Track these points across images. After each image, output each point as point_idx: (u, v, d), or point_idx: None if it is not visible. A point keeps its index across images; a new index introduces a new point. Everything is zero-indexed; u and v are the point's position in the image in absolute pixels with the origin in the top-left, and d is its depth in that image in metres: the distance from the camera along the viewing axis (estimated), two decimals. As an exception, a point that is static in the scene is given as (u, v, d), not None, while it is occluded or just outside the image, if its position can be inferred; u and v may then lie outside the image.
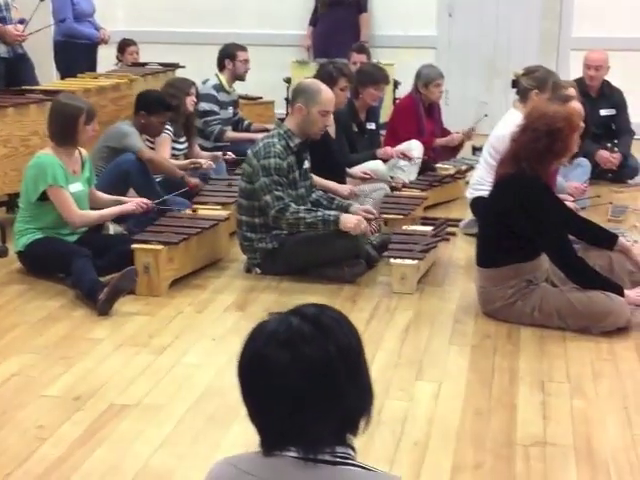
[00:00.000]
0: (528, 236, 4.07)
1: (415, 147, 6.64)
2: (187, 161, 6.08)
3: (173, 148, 6.12)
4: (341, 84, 5.70)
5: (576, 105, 4.77)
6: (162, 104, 5.69)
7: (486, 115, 7.47)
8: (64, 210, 4.65)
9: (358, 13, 8.97)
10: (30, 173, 4.69)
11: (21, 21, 6.36)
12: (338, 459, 1.64)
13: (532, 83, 5.33)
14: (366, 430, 1.68)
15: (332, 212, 4.76)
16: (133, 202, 4.84)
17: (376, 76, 6.35)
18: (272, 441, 1.67)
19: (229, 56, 7.13)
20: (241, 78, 7.25)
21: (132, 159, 5.57)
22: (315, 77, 5.60)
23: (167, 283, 4.63)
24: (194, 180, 5.74)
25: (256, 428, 1.68)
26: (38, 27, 6.78)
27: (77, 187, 4.77)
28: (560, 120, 3.99)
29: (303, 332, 1.62)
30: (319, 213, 4.71)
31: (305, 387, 1.59)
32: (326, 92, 4.82)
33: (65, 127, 4.66)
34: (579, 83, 6.80)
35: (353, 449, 1.68)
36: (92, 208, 4.90)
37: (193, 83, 6.32)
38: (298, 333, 1.62)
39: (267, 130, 7.07)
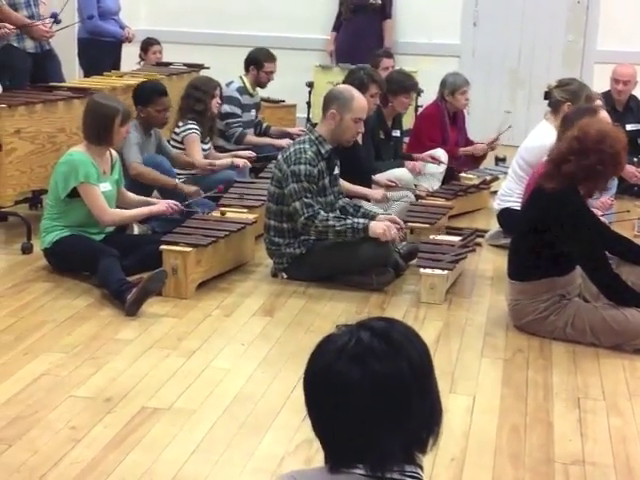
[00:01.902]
0: (563, 250, 4.03)
1: (440, 155, 6.62)
2: (227, 161, 6.04)
3: (200, 149, 6.10)
4: (372, 90, 5.66)
5: (604, 115, 4.76)
6: (155, 91, 5.59)
7: (510, 126, 7.43)
8: (95, 207, 4.62)
9: (382, 19, 8.94)
10: (61, 170, 4.66)
11: (53, 15, 6.33)
12: (407, 478, 1.61)
13: (565, 96, 5.30)
14: (434, 448, 1.65)
15: (361, 220, 4.73)
16: (163, 203, 4.80)
17: (407, 84, 6.33)
18: (339, 457, 1.62)
19: (256, 63, 7.05)
20: (262, 86, 7.21)
21: (155, 162, 5.53)
22: (345, 83, 5.58)
23: (194, 285, 4.60)
24: (190, 188, 5.52)
25: (322, 443, 1.63)
26: (65, 24, 6.76)
27: (106, 187, 4.74)
28: (592, 130, 3.94)
29: (374, 347, 1.58)
30: (348, 221, 4.68)
31: (375, 404, 1.56)
32: (359, 99, 4.79)
33: (101, 127, 4.64)
34: (606, 97, 6.78)
35: (421, 468, 1.64)
36: (120, 208, 4.87)
37: (218, 84, 6.28)
38: (369, 348, 1.58)
39: (287, 134, 7.09)
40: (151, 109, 5.51)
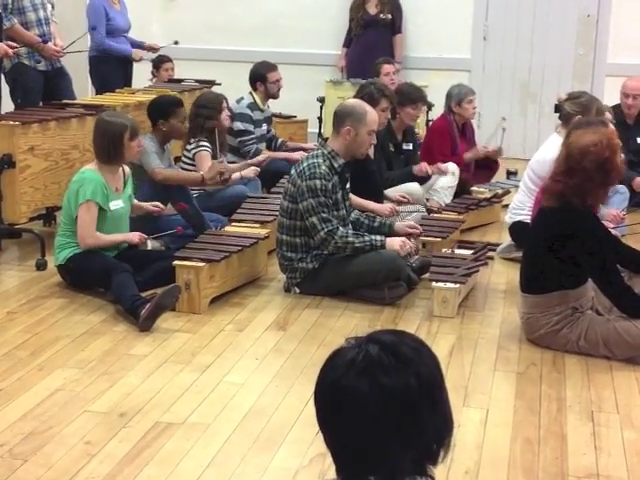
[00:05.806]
0: (574, 262, 4.03)
1: (451, 170, 6.63)
2: (237, 175, 6.06)
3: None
4: (382, 105, 5.70)
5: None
6: (173, 103, 5.66)
7: (504, 129, 7.47)
8: (82, 226, 4.65)
9: (392, 34, 8.98)
10: (73, 187, 4.70)
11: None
12: (418, 489, 1.61)
13: (576, 109, 5.30)
14: (445, 460, 1.66)
15: (378, 237, 4.77)
16: (136, 234, 4.81)
17: (414, 96, 6.37)
18: (349, 470, 1.64)
19: (259, 78, 7.07)
20: (274, 97, 7.23)
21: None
22: (355, 97, 5.60)
23: (207, 300, 4.62)
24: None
25: (333, 456, 1.64)
26: (76, 48, 6.83)
27: (118, 204, 4.78)
28: (575, 149, 3.97)
29: (382, 362, 1.58)
30: (366, 238, 4.73)
31: (384, 417, 1.56)
32: (371, 112, 4.84)
33: (110, 145, 4.68)
34: (616, 110, 6.79)
35: (433, 479, 1.65)
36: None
37: (223, 97, 6.27)
38: (377, 362, 1.58)
39: (303, 149, 7.11)
40: (174, 120, 5.56)
